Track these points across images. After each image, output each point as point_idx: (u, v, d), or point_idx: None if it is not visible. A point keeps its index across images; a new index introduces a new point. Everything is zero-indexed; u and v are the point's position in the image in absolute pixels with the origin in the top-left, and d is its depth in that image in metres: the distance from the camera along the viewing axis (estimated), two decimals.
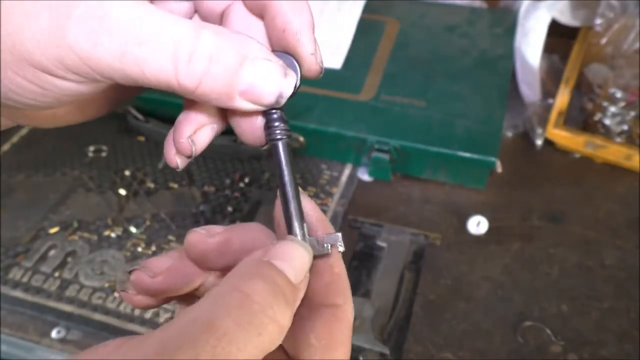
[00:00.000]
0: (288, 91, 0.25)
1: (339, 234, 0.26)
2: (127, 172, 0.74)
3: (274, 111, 0.26)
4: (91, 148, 0.77)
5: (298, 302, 0.24)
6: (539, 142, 0.75)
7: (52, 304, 0.59)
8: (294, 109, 0.72)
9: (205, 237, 0.27)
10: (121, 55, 0.22)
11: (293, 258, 0.24)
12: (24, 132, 0.81)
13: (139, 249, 0.65)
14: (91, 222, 0.68)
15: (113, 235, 0.66)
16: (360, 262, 0.62)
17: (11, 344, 0.58)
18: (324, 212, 0.68)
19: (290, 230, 0.26)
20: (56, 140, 0.79)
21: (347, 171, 0.73)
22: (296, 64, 0.26)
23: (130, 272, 0.27)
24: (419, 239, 0.65)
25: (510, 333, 0.56)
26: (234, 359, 0.20)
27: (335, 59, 0.78)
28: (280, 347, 0.26)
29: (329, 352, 0.25)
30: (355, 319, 0.56)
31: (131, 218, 0.68)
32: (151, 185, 0.72)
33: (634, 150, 0.70)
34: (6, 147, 0.78)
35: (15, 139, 0.79)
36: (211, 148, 0.84)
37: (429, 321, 0.58)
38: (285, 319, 0.22)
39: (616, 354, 0.54)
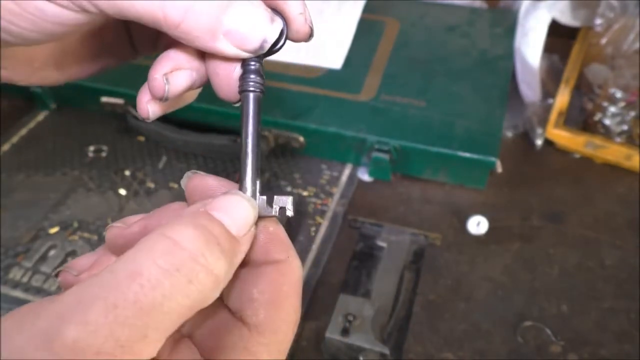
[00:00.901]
0: (272, 37, 0.24)
1: (290, 197, 0.25)
2: (127, 172, 0.74)
3: (252, 62, 0.26)
4: (91, 148, 0.77)
5: (239, 256, 0.23)
6: (539, 142, 0.75)
7: None
8: (294, 109, 0.72)
9: (123, 229, 0.26)
10: None
11: (233, 210, 0.23)
12: (24, 132, 0.81)
13: None
14: (91, 222, 0.68)
15: None
16: (360, 262, 0.62)
17: None
18: (324, 212, 0.68)
19: (241, 185, 0.26)
20: (56, 140, 0.79)
21: (347, 171, 0.73)
22: (283, 22, 0.26)
23: (56, 275, 0.27)
24: (419, 239, 0.65)
25: (510, 333, 0.56)
26: (159, 306, 0.18)
27: (335, 59, 0.78)
28: (225, 308, 0.25)
29: (274, 305, 0.24)
30: (355, 318, 0.56)
31: None
32: (151, 185, 0.72)
33: (634, 151, 0.70)
34: (6, 147, 0.78)
35: (15, 139, 0.79)
36: (211, 148, 0.84)
37: (429, 321, 0.58)
38: (220, 269, 0.21)
39: (616, 354, 0.54)
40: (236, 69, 0.26)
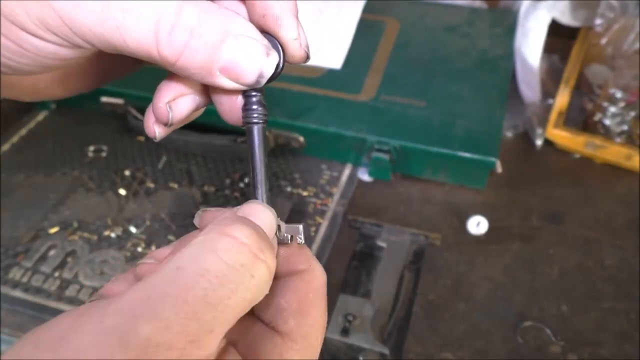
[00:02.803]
0: (269, 71, 0.25)
1: (301, 226, 0.27)
2: (127, 172, 0.74)
3: (253, 94, 0.26)
4: (91, 148, 0.77)
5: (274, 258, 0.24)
6: (539, 142, 0.75)
7: (52, 304, 0.59)
8: (294, 109, 0.72)
9: (155, 266, 0.26)
10: (103, 20, 0.22)
11: (260, 215, 0.24)
12: (24, 132, 0.81)
13: (139, 249, 0.65)
14: (91, 222, 0.68)
15: (113, 235, 0.66)
16: (360, 262, 0.62)
17: (11, 344, 0.58)
18: (324, 212, 0.68)
19: None
20: (56, 140, 0.79)
21: (347, 171, 0.73)
22: (280, 47, 0.26)
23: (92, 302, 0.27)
24: (419, 239, 0.65)
25: (510, 333, 0.56)
26: (226, 300, 0.19)
27: (335, 59, 0.78)
28: (258, 320, 0.26)
29: (302, 313, 0.25)
30: (355, 318, 0.56)
31: (131, 218, 0.68)
32: (151, 185, 0.72)
33: (633, 151, 0.70)
34: (6, 147, 0.78)
35: (15, 139, 0.79)
36: (211, 148, 0.84)
37: (428, 321, 0.58)
38: (273, 263, 0.22)
39: (616, 354, 0.54)
40: (239, 97, 0.27)
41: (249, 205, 0.25)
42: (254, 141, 0.27)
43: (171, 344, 0.18)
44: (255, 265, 0.21)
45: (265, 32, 0.26)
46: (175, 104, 0.27)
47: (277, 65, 0.25)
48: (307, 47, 0.27)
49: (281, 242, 0.26)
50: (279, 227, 0.26)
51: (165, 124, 0.27)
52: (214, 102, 0.28)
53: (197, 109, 0.28)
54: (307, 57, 0.27)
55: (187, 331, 0.18)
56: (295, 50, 0.26)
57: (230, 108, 0.27)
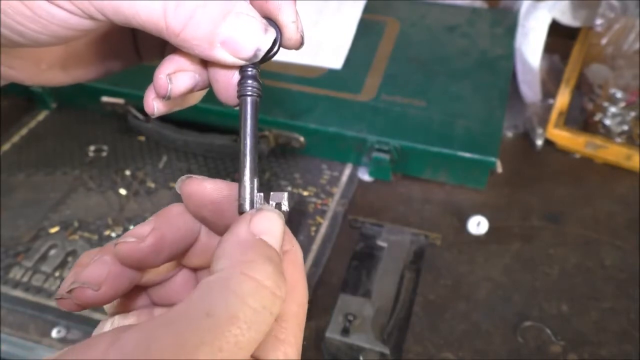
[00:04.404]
0: (265, 47, 0.26)
1: (285, 193, 0.27)
2: (127, 172, 0.74)
3: (249, 69, 0.27)
4: (92, 148, 0.77)
5: None
6: (539, 142, 0.75)
7: (52, 303, 0.60)
8: (294, 109, 0.72)
9: (137, 244, 0.27)
10: None
11: (274, 229, 0.25)
12: (24, 131, 0.81)
13: None
14: (92, 222, 0.68)
15: (113, 234, 0.66)
16: (360, 262, 0.62)
17: (11, 343, 0.58)
18: (324, 212, 0.68)
19: (240, 183, 0.27)
20: (57, 139, 0.79)
21: (347, 171, 0.73)
22: (277, 31, 0.27)
23: (70, 292, 0.26)
24: (419, 239, 0.65)
25: (510, 333, 0.56)
26: (253, 341, 0.21)
27: (335, 59, 0.78)
28: None
29: (291, 293, 0.26)
30: (355, 318, 0.56)
31: (132, 218, 0.68)
32: (152, 184, 0.72)
33: (634, 151, 0.70)
34: (6, 146, 0.78)
35: (15, 138, 0.79)
36: (211, 148, 0.84)
37: (428, 321, 0.58)
38: (285, 294, 0.23)
39: (616, 354, 0.54)
40: (234, 76, 0.27)
41: (264, 219, 0.25)
42: (246, 113, 0.27)
43: None
44: (274, 304, 0.22)
45: (265, 16, 0.27)
46: (175, 77, 0.28)
47: (275, 40, 0.27)
48: (303, 32, 0.28)
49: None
50: (263, 195, 0.27)
51: (163, 97, 0.28)
52: (211, 81, 0.28)
53: (195, 89, 0.29)
54: (302, 43, 0.28)
55: None
56: (292, 32, 0.27)
57: (226, 86, 0.28)
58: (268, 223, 0.25)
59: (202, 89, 0.29)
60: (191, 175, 0.28)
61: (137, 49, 0.34)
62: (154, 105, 0.29)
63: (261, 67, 0.28)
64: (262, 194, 0.27)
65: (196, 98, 0.32)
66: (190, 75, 0.28)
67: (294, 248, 0.27)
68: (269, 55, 0.27)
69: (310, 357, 0.55)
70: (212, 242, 0.29)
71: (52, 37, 0.26)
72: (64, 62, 0.32)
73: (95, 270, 0.27)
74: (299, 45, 0.28)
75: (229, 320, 0.20)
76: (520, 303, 0.59)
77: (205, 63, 0.28)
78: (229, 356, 0.20)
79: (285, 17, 0.27)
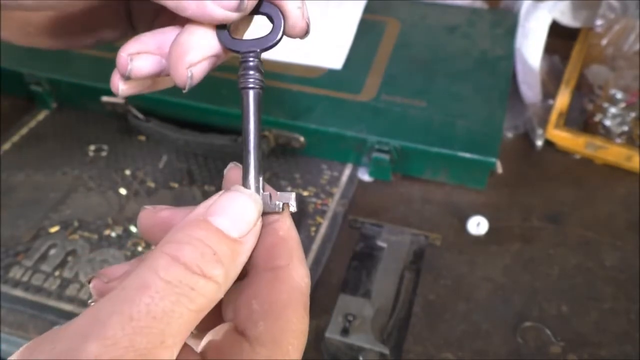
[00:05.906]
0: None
1: (293, 194, 0.26)
2: (127, 172, 0.74)
3: (250, 59, 0.26)
4: (92, 147, 0.77)
5: (244, 255, 0.24)
6: (539, 143, 0.75)
7: (52, 303, 0.60)
8: (294, 109, 0.72)
9: (153, 212, 0.28)
10: None
11: (233, 210, 0.24)
12: (24, 131, 0.81)
13: (139, 249, 0.65)
14: (91, 222, 0.68)
15: (113, 234, 0.66)
16: (360, 262, 0.62)
17: (11, 342, 0.58)
18: (324, 212, 0.68)
19: (244, 182, 0.26)
20: (57, 139, 0.79)
21: (347, 171, 0.73)
22: (281, 16, 0.26)
23: (89, 281, 0.27)
24: (419, 239, 0.65)
25: (510, 333, 0.56)
26: (170, 312, 0.20)
27: (335, 59, 0.78)
28: (231, 325, 0.25)
29: (272, 315, 0.23)
30: (355, 318, 0.56)
31: (132, 217, 0.68)
32: (152, 184, 0.72)
33: (634, 152, 0.70)
34: (7, 146, 0.78)
35: (15, 138, 0.79)
36: (211, 148, 0.84)
37: (428, 321, 0.58)
38: (218, 275, 0.22)
39: (616, 354, 0.54)
40: (189, 55, 0.25)
41: (224, 199, 0.24)
42: (249, 107, 0.26)
43: (121, 359, 0.19)
44: (192, 279, 0.21)
45: (268, 1, 0.26)
46: (138, 57, 0.27)
47: (277, 28, 0.25)
48: (309, 19, 0.26)
49: (272, 211, 0.26)
50: (270, 195, 0.26)
51: (123, 75, 0.27)
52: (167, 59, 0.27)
53: (162, 73, 0.28)
54: (308, 30, 0.27)
55: (136, 346, 0.19)
56: (297, 19, 0.26)
57: (177, 61, 0.26)
58: (227, 203, 0.24)
59: (169, 74, 0.28)
60: (237, 164, 0.28)
61: (131, 20, 0.34)
62: (119, 85, 0.28)
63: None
64: (268, 193, 0.26)
65: (167, 82, 0.31)
66: (156, 60, 0.27)
67: (290, 266, 0.25)
68: (272, 43, 0.26)
69: (310, 357, 0.55)
70: None
71: (37, 2, 0.25)
72: (51, 29, 0.31)
73: (117, 268, 0.27)
74: (305, 33, 0.27)
75: (138, 289, 0.20)
76: (520, 303, 0.59)
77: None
78: (143, 325, 0.19)
79: (290, 2, 0.25)
